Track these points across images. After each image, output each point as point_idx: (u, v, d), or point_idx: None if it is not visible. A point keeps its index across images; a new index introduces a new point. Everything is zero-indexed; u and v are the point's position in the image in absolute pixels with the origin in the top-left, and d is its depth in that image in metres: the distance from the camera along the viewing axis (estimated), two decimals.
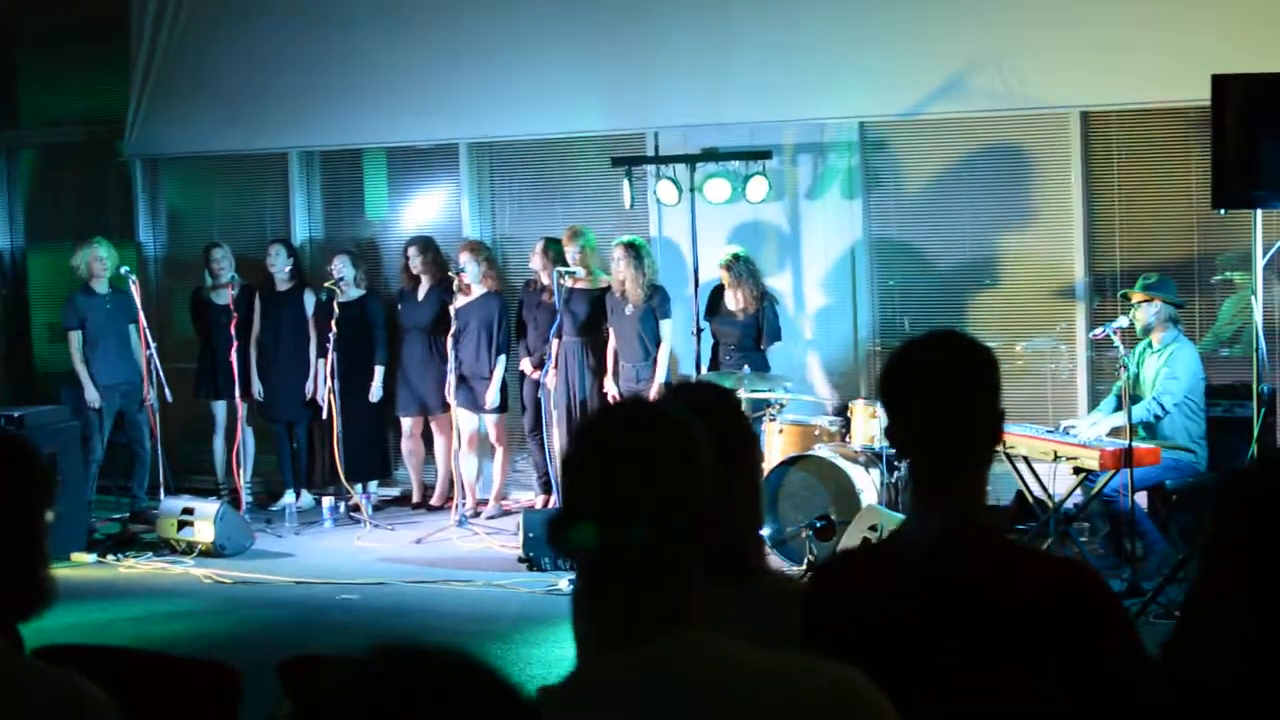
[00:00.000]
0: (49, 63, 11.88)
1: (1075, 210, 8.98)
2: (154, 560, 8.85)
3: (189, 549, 8.85)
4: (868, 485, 7.91)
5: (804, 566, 7.47)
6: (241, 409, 9.92)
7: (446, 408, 9.68)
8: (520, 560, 8.40)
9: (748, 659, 1.83)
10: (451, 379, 9.50)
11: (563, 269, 9.22)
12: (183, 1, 10.75)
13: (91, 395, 9.73)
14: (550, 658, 6.53)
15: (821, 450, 8.14)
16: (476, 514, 9.65)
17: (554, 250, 9.46)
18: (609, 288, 9.30)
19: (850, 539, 7.16)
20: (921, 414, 2.41)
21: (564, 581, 7.86)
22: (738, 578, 2.49)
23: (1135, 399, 7.62)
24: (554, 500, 9.46)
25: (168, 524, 8.99)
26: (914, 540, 2.44)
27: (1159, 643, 2.43)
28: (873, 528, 7.14)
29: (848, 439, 8.37)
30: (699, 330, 9.09)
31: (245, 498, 9.95)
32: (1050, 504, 7.59)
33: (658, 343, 9.19)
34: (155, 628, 7.32)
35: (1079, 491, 7.68)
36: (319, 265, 10.50)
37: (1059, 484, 7.75)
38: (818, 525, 7.33)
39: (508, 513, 9.73)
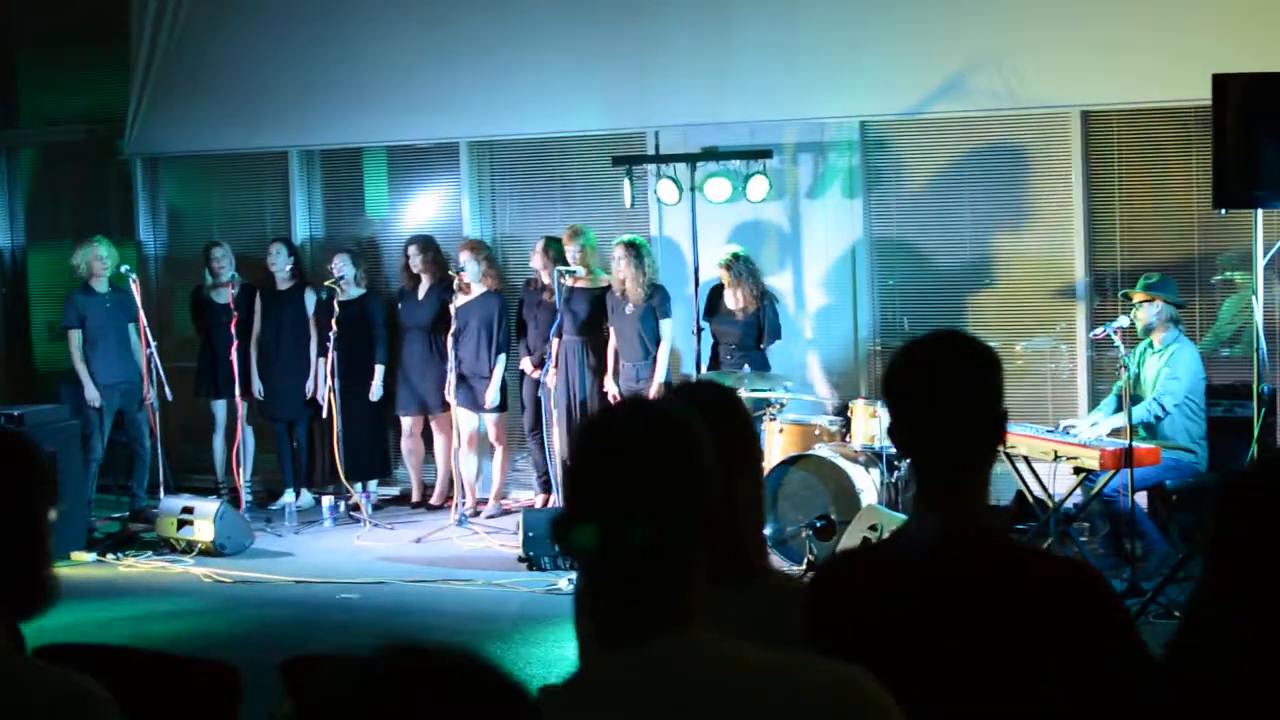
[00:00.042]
0: (49, 62, 11.88)
1: (1075, 210, 8.98)
2: (154, 559, 8.85)
3: (189, 548, 8.85)
4: (868, 485, 7.90)
5: (804, 566, 7.47)
6: (241, 408, 9.92)
7: (446, 407, 9.68)
8: (520, 560, 8.40)
9: (749, 658, 1.83)
10: (451, 378, 9.49)
11: (563, 268, 9.22)
12: (182, 1, 10.74)
13: (92, 394, 9.73)
14: (550, 657, 6.53)
15: (822, 450, 8.14)
16: (476, 513, 9.65)
17: (554, 249, 9.46)
18: (609, 287, 9.30)
19: (850, 539, 7.16)
20: (923, 414, 2.41)
21: (564, 581, 7.86)
22: (740, 577, 2.49)
23: (1136, 399, 7.61)
24: (554, 499, 9.46)
25: (167, 523, 8.99)
26: (915, 540, 2.44)
27: (1163, 643, 2.43)
28: (873, 527, 7.14)
29: (848, 438, 8.37)
30: (699, 330, 9.09)
31: (245, 497, 9.95)
32: (1050, 504, 7.58)
33: (658, 342, 9.19)
34: (155, 627, 7.33)
35: (1079, 491, 7.68)
36: (319, 264, 10.50)
37: (1059, 484, 7.75)
38: (818, 525, 7.34)
39: (507, 512, 9.73)
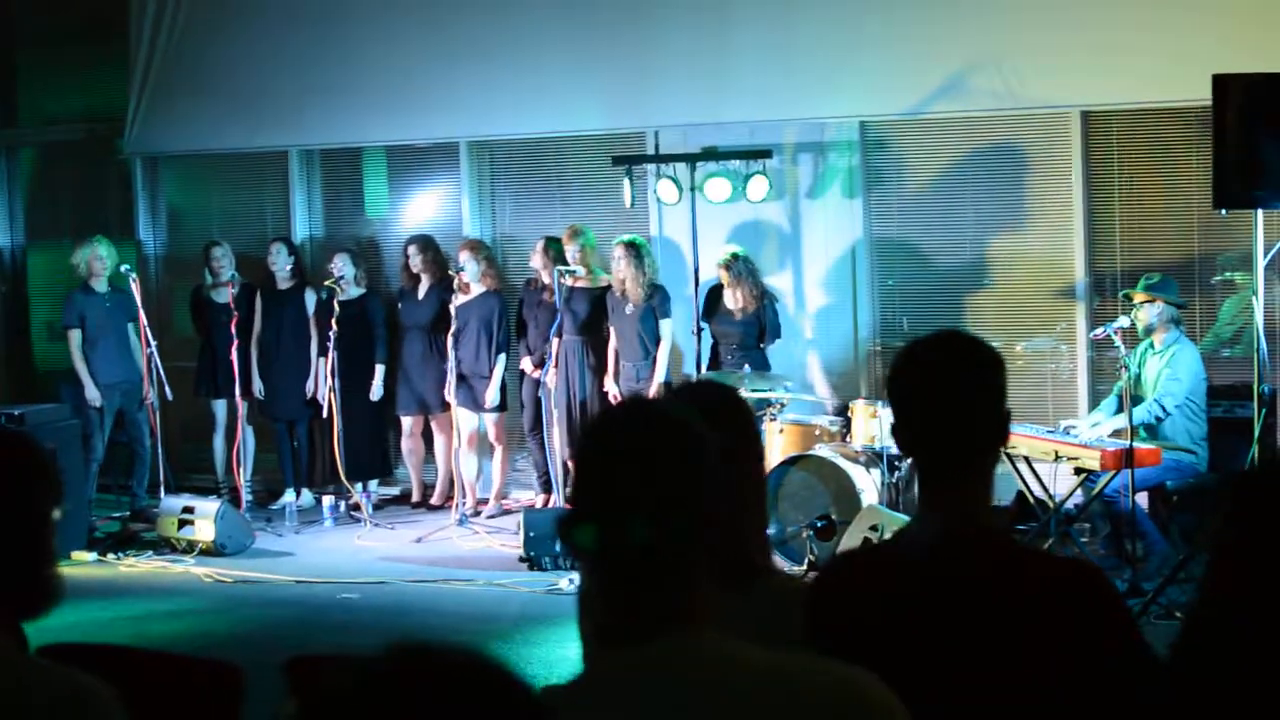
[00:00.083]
0: (49, 61, 11.87)
1: (1076, 210, 8.98)
2: (154, 559, 8.85)
3: (189, 548, 8.85)
4: (868, 485, 7.90)
5: (805, 566, 7.47)
6: (242, 408, 9.92)
7: (447, 407, 9.67)
8: (521, 560, 8.39)
9: (750, 659, 1.83)
10: (451, 378, 9.49)
11: (563, 268, 9.21)
12: (182, 0, 10.74)
13: (92, 394, 9.73)
14: (551, 657, 6.53)
15: (822, 450, 8.14)
16: (477, 513, 9.65)
17: (554, 249, 9.46)
18: (609, 287, 9.30)
19: (851, 539, 7.16)
20: (925, 413, 2.42)
21: (564, 581, 7.86)
22: (742, 578, 2.49)
23: (1136, 400, 7.61)
24: (554, 500, 9.46)
25: (168, 523, 8.98)
26: (916, 540, 2.44)
27: (1168, 644, 2.43)
28: (873, 528, 7.14)
29: (848, 439, 8.37)
30: (699, 330, 9.09)
31: (245, 496, 9.95)
32: (1051, 504, 7.58)
33: (658, 342, 9.19)
34: (156, 627, 7.32)
35: (1080, 492, 7.68)
36: (319, 264, 10.50)
37: (1060, 484, 7.75)
38: (818, 525, 7.34)
39: (508, 512, 9.72)
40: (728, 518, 1.90)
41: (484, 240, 10.15)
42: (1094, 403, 8.63)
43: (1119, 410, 7.66)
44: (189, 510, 8.95)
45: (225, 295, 10.03)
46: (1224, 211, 7.25)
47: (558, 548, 8.09)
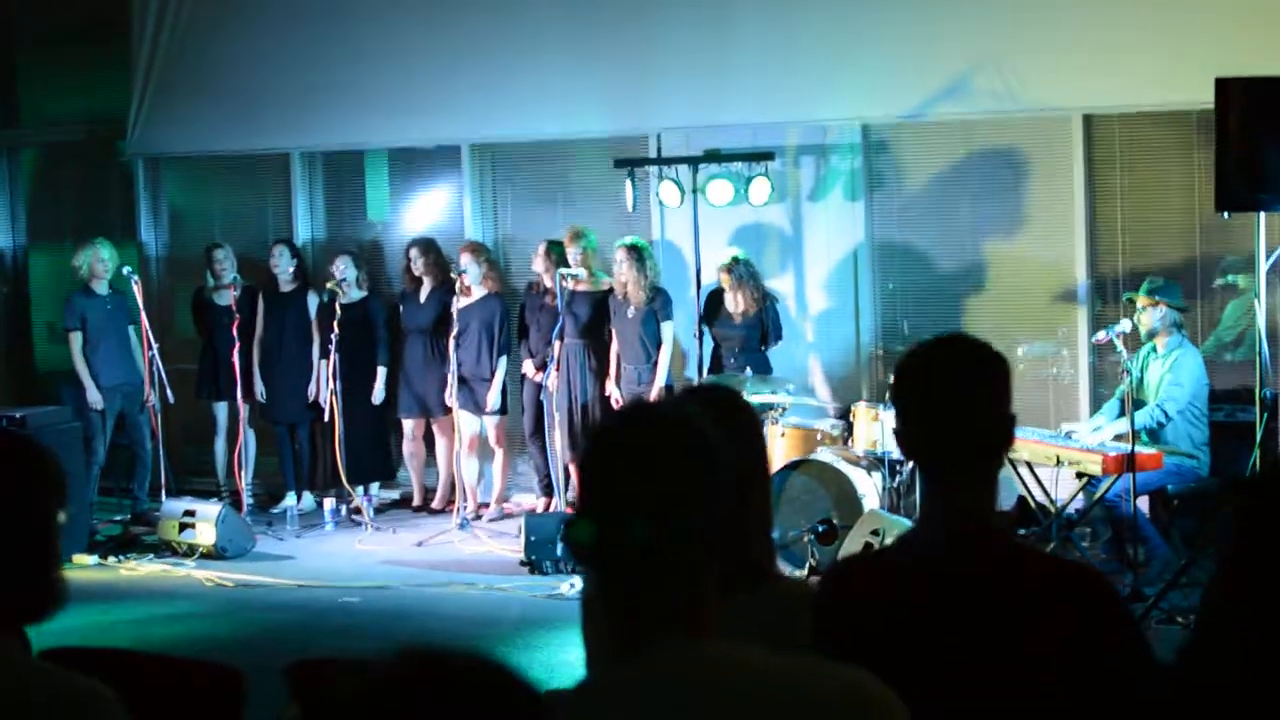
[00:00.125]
0: (49, 62, 11.87)
1: (1077, 213, 8.97)
2: (155, 562, 8.84)
3: (190, 551, 8.85)
4: (870, 489, 7.89)
5: (806, 571, 7.46)
6: (243, 410, 9.91)
7: (448, 410, 9.67)
8: (522, 563, 8.38)
9: (755, 662, 1.82)
10: (452, 381, 9.48)
11: (565, 271, 9.20)
12: (184, 1, 10.74)
13: (94, 396, 9.71)
14: (552, 661, 6.52)
15: (823, 454, 8.12)
16: (478, 517, 9.64)
17: (556, 252, 9.45)
18: (611, 290, 9.30)
19: (852, 543, 7.14)
20: (925, 415, 2.41)
21: (566, 585, 7.85)
22: (749, 582, 2.49)
23: (1138, 403, 7.61)
24: (555, 503, 9.44)
25: (169, 526, 8.98)
26: (918, 540, 2.45)
27: (1175, 649, 2.43)
28: (874, 532, 7.12)
29: (850, 443, 8.36)
30: (701, 333, 9.08)
31: (246, 500, 9.93)
32: (1052, 509, 7.58)
33: (659, 345, 9.19)
34: (156, 630, 7.32)
35: (1081, 496, 7.67)
36: (321, 266, 10.49)
37: (1061, 489, 7.75)
38: (820, 529, 7.33)
39: (509, 516, 9.72)
40: (734, 520, 1.89)
41: (486, 243, 10.14)
42: (1095, 407, 8.62)
43: (1121, 414, 7.65)
44: (190, 513, 8.94)
45: (227, 297, 10.01)
46: (1226, 214, 7.24)
47: (559, 552, 8.09)
